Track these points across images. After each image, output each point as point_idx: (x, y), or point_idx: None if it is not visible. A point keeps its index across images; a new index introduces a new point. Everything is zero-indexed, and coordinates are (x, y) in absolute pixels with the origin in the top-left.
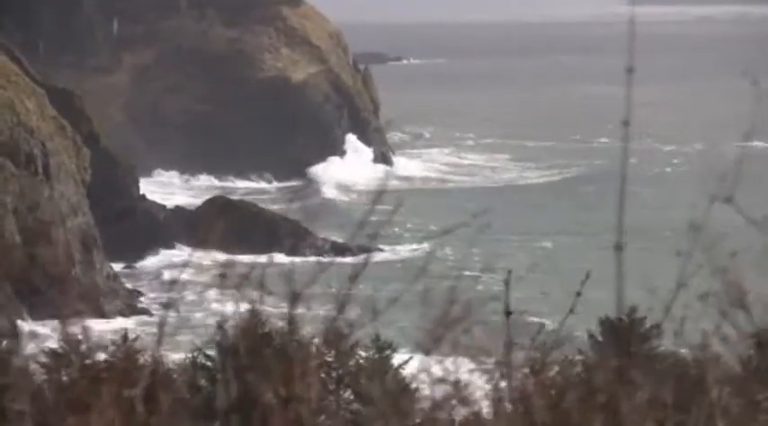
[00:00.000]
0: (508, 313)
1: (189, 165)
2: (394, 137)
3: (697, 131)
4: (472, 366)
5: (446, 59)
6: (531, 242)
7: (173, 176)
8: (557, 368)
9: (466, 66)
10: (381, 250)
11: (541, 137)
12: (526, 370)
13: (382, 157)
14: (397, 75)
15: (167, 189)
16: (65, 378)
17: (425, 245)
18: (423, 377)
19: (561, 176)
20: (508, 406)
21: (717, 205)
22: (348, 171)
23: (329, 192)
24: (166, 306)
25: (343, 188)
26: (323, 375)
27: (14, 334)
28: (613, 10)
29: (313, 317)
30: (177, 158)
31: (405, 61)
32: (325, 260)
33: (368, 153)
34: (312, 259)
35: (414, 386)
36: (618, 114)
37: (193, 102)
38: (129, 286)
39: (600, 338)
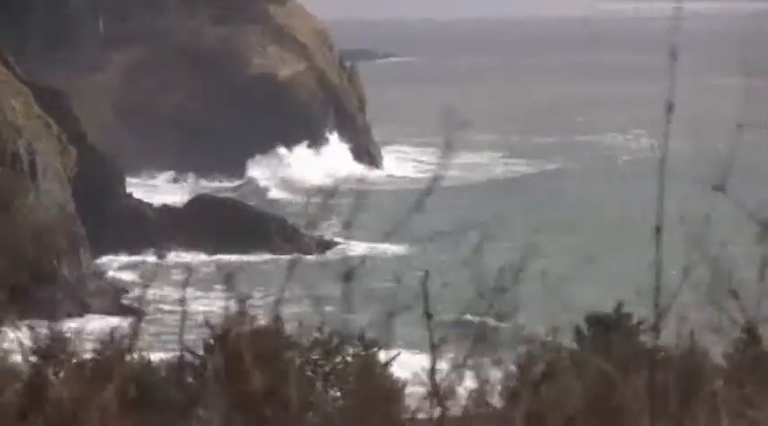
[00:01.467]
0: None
1: (178, 164)
2: (380, 135)
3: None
4: (459, 362)
5: (437, 56)
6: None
7: (165, 176)
8: (543, 365)
9: (458, 63)
10: (338, 244)
11: (531, 133)
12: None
13: (368, 155)
14: (385, 73)
15: (157, 189)
16: (52, 377)
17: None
18: (410, 373)
19: (553, 166)
20: (496, 402)
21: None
22: (324, 169)
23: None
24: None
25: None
26: (310, 372)
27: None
28: (594, 6)
29: (299, 315)
30: (167, 156)
31: (394, 59)
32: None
33: (346, 149)
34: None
35: (400, 382)
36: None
37: (183, 100)
38: (115, 284)
39: (586, 333)
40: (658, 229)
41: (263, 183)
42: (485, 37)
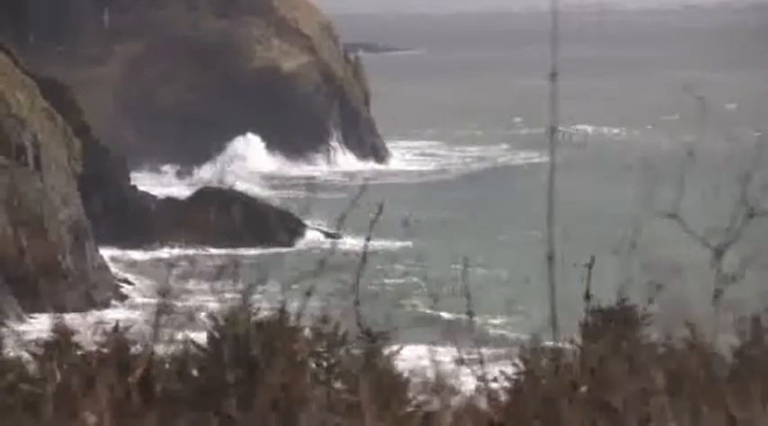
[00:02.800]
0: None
1: (181, 157)
2: (384, 128)
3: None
4: (462, 355)
5: (438, 50)
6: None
7: (164, 169)
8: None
9: (459, 57)
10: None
11: (533, 126)
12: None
13: (372, 149)
14: (388, 66)
15: (161, 181)
16: (57, 370)
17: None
18: (415, 366)
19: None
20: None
21: None
22: (326, 163)
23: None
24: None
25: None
26: (313, 365)
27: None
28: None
29: (304, 308)
30: (167, 149)
31: (396, 52)
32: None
33: (350, 143)
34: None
35: (405, 375)
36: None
37: (184, 93)
38: (119, 276)
39: (590, 326)
40: (550, 258)
41: (220, 177)
42: (484, 30)
